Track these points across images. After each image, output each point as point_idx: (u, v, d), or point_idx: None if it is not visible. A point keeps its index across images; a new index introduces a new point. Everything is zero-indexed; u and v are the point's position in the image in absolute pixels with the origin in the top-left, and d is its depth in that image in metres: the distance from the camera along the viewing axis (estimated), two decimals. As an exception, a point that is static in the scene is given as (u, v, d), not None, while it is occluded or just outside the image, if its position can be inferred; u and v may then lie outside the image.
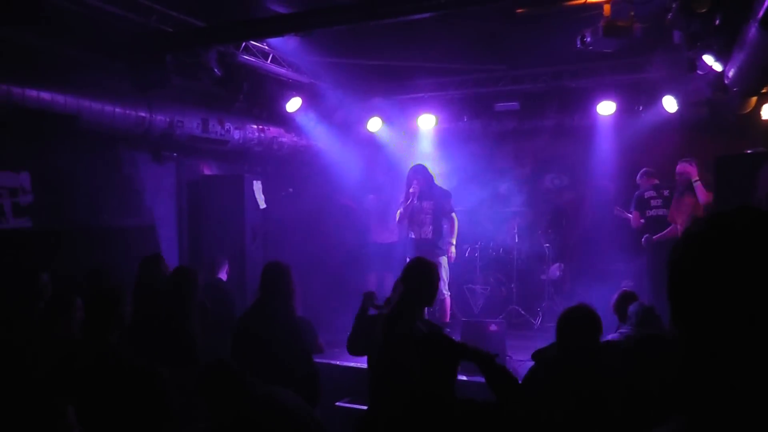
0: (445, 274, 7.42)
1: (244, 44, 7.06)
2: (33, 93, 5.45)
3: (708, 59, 6.45)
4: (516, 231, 8.68)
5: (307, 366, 4.73)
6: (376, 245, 8.87)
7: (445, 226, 7.61)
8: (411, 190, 7.39)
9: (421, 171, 7.53)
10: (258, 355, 4.54)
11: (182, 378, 4.39)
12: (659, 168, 7.72)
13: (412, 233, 7.57)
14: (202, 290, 5.28)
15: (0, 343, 3.90)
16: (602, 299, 7.65)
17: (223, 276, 6.62)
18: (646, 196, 7.51)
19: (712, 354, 1.06)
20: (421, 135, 9.45)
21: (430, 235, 7.46)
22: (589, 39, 5.58)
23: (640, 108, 8.39)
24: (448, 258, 7.45)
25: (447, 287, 7.48)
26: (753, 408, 1.02)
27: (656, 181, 7.65)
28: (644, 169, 7.80)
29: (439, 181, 7.77)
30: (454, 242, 7.53)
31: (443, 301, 7.45)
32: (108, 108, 6.19)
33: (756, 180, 5.74)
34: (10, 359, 3.86)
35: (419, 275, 3.91)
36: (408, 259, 7.55)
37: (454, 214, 7.60)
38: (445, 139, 9.35)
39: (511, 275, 8.62)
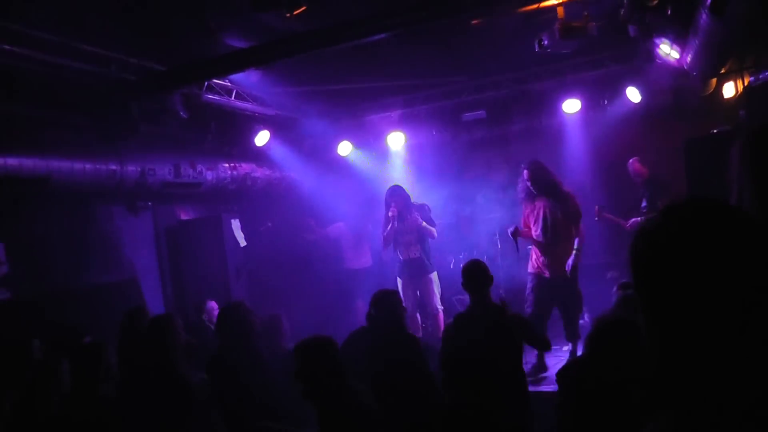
0: (437, 289, 7.50)
1: (207, 83, 7.04)
2: (-1, 160, 5.39)
3: (664, 48, 6.56)
4: (498, 237, 8.69)
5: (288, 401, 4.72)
6: (350, 271, 8.88)
7: (430, 241, 7.63)
8: (390, 214, 7.40)
9: (398, 192, 7.54)
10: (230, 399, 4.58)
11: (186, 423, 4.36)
12: (629, 158, 7.82)
13: (400, 254, 7.57)
14: (186, 332, 5.24)
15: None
16: (594, 295, 7.80)
17: (214, 315, 6.56)
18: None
19: (686, 345, 1.07)
20: (392, 154, 9.47)
21: (418, 254, 7.47)
22: (546, 42, 5.64)
23: (605, 102, 8.48)
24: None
25: (439, 302, 7.50)
26: (738, 396, 1.03)
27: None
28: (634, 158, 8.01)
29: (414, 198, 7.79)
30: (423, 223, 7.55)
31: (436, 316, 7.49)
32: (78, 166, 6.12)
33: (729, 159, 5.80)
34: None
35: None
36: (399, 280, 7.60)
37: (434, 230, 7.64)
38: (417, 155, 9.39)
39: (499, 281, 8.60)
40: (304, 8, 5.25)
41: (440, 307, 7.51)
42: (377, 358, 4.59)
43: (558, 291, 6.61)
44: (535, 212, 6.63)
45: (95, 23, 5.36)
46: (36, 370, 4.72)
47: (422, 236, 7.51)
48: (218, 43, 6.18)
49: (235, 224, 8.31)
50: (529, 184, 6.59)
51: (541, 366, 6.48)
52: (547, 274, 6.60)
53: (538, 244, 6.68)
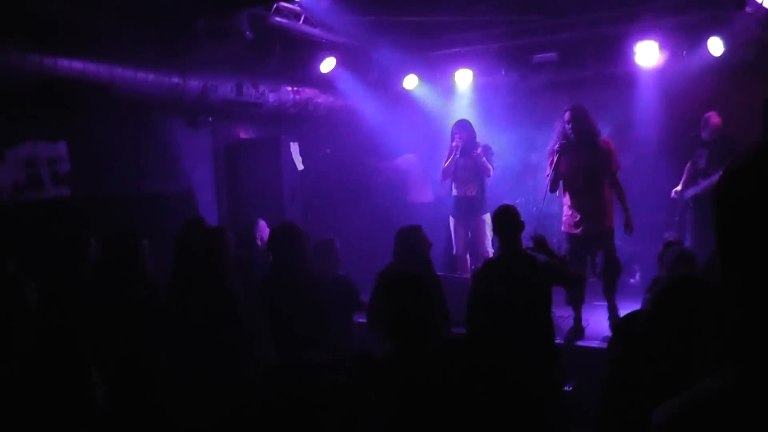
0: (489, 232, 7.35)
1: (275, 6, 6.99)
2: (65, 63, 5.50)
3: (758, -7, 6.15)
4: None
5: (333, 330, 4.79)
6: (414, 204, 8.85)
7: (487, 181, 7.53)
8: (454, 144, 7.31)
9: (464, 126, 7.44)
10: (281, 321, 4.64)
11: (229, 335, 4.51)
12: (700, 114, 7.44)
13: (455, 190, 7.50)
14: (237, 246, 5.35)
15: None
16: (652, 254, 7.61)
17: (265, 234, 6.67)
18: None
19: None
20: (458, 91, 9.29)
21: (474, 192, 7.39)
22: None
23: (684, 53, 8.04)
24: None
25: (491, 245, 7.41)
26: None
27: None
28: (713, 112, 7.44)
29: (479, 138, 7.67)
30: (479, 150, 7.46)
31: (486, 259, 7.39)
32: (140, 75, 6.22)
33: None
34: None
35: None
36: (451, 218, 7.56)
37: (491, 168, 7.53)
38: (483, 94, 9.18)
39: (553, 232, 8.48)
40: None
41: (491, 250, 7.38)
42: None
43: (593, 248, 6.30)
44: (571, 162, 6.24)
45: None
46: (92, 267, 4.96)
47: (480, 174, 7.41)
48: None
49: (294, 147, 8.36)
50: (569, 126, 6.18)
51: (578, 330, 6.31)
52: (579, 231, 6.27)
53: (571, 197, 6.35)
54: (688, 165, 7.48)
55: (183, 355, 4.41)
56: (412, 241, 5.05)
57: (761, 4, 6.25)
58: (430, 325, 3.19)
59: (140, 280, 4.65)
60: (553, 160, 6.26)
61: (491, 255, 7.33)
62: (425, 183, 9.05)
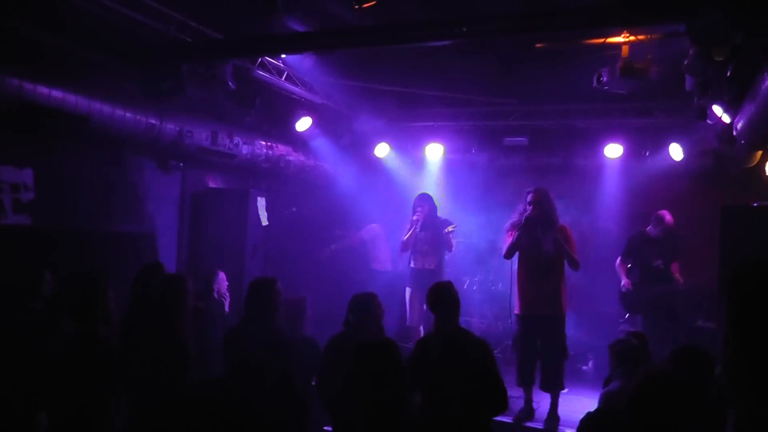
0: None
1: (260, 60, 7.08)
2: (44, 90, 5.42)
3: (718, 109, 6.50)
4: (514, 267, 8.63)
5: (293, 389, 4.68)
6: (375, 272, 8.89)
7: (446, 257, 7.59)
8: (415, 218, 7.38)
9: (426, 199, 7.53)
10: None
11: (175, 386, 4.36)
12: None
13: (414, 262, 7.53)
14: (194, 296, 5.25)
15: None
16: (599, 341, 7.70)
17: (223, 287, 6.57)
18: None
19: None
20: (428, 164, 9.46)
21: (432, 266, 7.42)
22: (605, 78, 5.62)
23: (647, 153, 8.43)
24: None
25: None
26: None
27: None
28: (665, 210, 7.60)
29: (442, 212, 7.77)
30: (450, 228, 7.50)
31: None
32: (119, 112, 6.16)
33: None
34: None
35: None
36: (408, 289, 7.56)
37: (453, 244, 7.60)
38: (452, 170, 9.37)
39: (508, 311, 8.54)
40: (373, 2, 5.28)
41: None
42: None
43: (542, 331, 6.20)
44: (529, 241, 6.19)
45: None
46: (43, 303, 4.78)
47: (440, 249, 7.47)
48: (280, 23, 6.21)
49: (261, 202, 8.33)
50: (530, 208, 6.18)
51: (529, 411, 6.25)
52: (532, 312, 6.19)
53: (526, 277, 6.30)
54: (621, 260, 7.53)
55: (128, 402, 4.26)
56: (366, 309, 4.97)
57: (720, 118, 6.59)
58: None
59: (101, 321, 4.49)
60: (513, 232, 6.29)
61: None
62: (387, 252, 9.09)
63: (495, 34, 5.24)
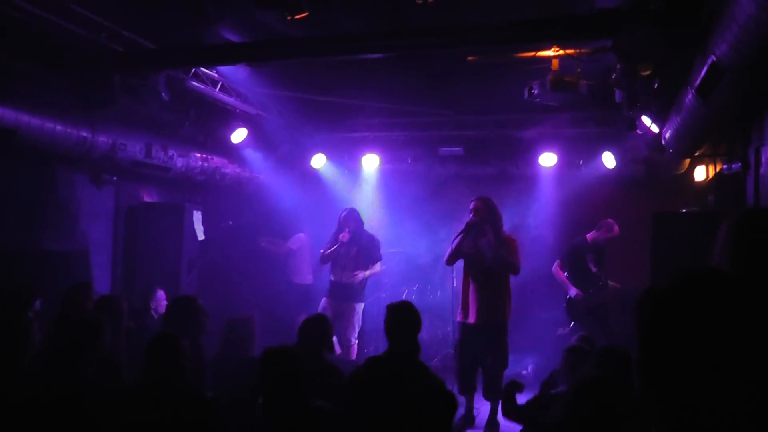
0: (357, 321, 7.42)
1: (194, 70, 6.98)
2: (-31, 103, 5.24)
3: (646, 120, 6.74)
4: (454, 275, 8.72)
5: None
6: (295, 285, 8.88)
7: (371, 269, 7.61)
8: (341, 237, 7.37)
9: (353, 217, 7.53)
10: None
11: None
12: (596, 222, 7.87)
13: (333, 276, 7.52)
14: (129, 315, 5.13)
15: None
16: (537, 345, 7.83)
17: (161, 306, 6.44)
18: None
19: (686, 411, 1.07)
20: (365, 175, 9.49)
21: (350, 280, 7.42)
22: (536, 91, 5.74)
23: (581, 162, 8.65)
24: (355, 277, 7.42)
25: (356, 336, 7.42)
26: None
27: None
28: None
29: (377, 221, 7.81)
30: (367, 273, 7.53)
31: (349, 348, 7.31)
32: (48, 125, 5.96)
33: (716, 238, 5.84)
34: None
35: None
36: (324, 298, 7.50)
37: (379, 264, 7.68)
38: (388, 180, 9.42)
39: (448, 319, 8.64)
40: (305, 14, 5.26)
41: (355, 341, 7.36)
42: None
43: (484, 340, 6.19)
44: (474, 248, 6.21)
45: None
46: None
47: (362, 265, 7.49)
48: (213, 34, 6.14)
49: (197, 216, 8.20)
50: (473, 215, 6.23)
51: (470, 418, 6.31)
52: (473, 320, 6.20)
53: (469, 284, 6.32)
54: (560, 266, 7.75)
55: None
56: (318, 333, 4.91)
57: (649, 128, 6.81)
58: None
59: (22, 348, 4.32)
60: (456, 238, 6.32)
61: (354, 345, 7.35)
62: (309, 264, 9.08)
63: (425, 47, 5.30)
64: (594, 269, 7.57)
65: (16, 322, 4.20)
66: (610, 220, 7.70)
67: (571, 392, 3.15)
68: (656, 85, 5.86)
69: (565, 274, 7.69)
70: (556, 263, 7.81)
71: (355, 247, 7.45)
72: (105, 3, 5.52)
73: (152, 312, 6.31)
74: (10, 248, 6.28)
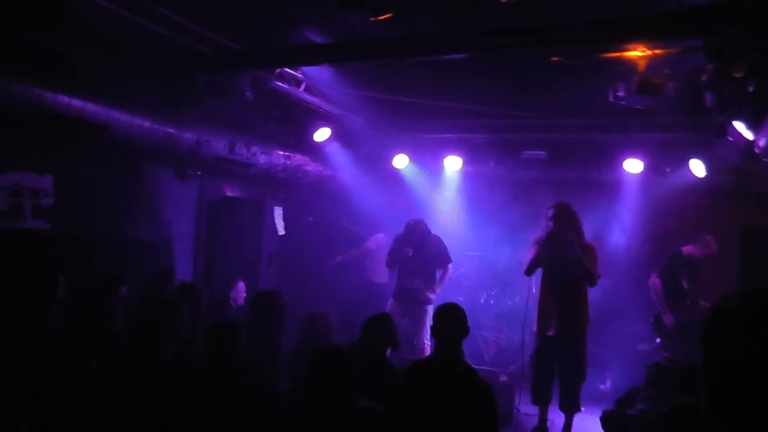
0: (429, 322, 7.25)
1: (278, 71, 7.12)
2: (65, 99, 5.48)
3: (739, 126, 6.38)
4: (534, 281, 8.55)
5: None
6: (375, 284, 8.95)
7: (437, 275, 7.54)
8: (405, 251, 7.39)
9: (419, 229, 7.51)
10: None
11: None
12: (682, 232, 7.55)
13: (401, 280, 7.53)
14: (209, 306, 5.29)
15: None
16: (617, 359, 7.57)
17: (240, 297, 6.60)
18: None
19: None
20: (447, 176, 9.44)
21: (418, 286, 7.38)
22: (622, 93, 5.56)
23: (668, 169, 8.30)
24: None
25: (428, 336, 7.29)
26: None
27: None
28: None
29: (458, 224, 7.73)
30: (438, 291, 7.46)
31: (422, 350, 7.20)
32: (137, 121, 6.22)
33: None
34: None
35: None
36: (392, 299, 7.48)
37: (450, 265, 7.59)
38: (470, 182, 9.33)
39: (527, 327, 8.47)
40: (389, 15, 5.27)
41: (428, 342, 7.19)
42: None
43: (562, 352, 6.04)
44: (553, 258, 6.00)
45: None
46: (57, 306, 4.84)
47: (430, 269, 7.45)
48: (297, 35, 6.25)
49: (278, 212, 8.37)
50: (552, 224, 6.04)
51: (543, 429, 6.14)
52: (552, 333, 6.02)
53: (548, 296, 6.14)
54: (660, 282, 7.25)
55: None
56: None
57: (742, 134, 6.48)
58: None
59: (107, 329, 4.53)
60: (535, 249, 6.15)
61: (427, 346, 7.16)
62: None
63: (509, 47, 5.21)
64: (686, 285, 7.16)
65: (100, 305, 4.41)
66: (708, 236, 7.23)
67: (661, 419, 3.02)
68: (751, 88, 5.56)
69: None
70: (653, 276, 7.31)
71: (420, 253, 7.44)
72: (192, 6, 5.71)
73: (231, 302, 6.47)
74: (99, 236, 6.58)
